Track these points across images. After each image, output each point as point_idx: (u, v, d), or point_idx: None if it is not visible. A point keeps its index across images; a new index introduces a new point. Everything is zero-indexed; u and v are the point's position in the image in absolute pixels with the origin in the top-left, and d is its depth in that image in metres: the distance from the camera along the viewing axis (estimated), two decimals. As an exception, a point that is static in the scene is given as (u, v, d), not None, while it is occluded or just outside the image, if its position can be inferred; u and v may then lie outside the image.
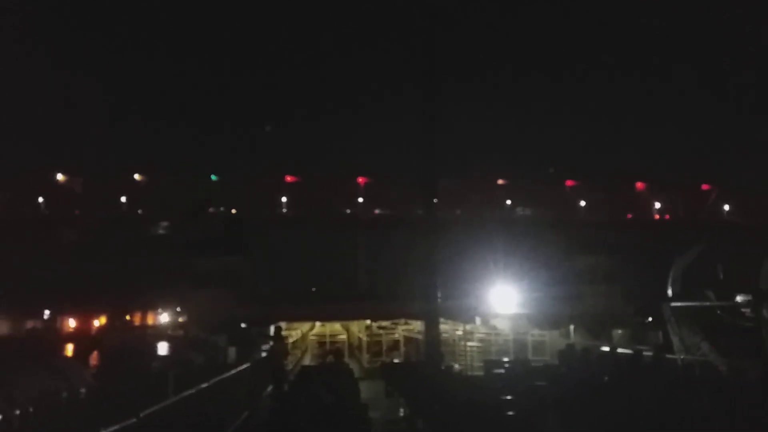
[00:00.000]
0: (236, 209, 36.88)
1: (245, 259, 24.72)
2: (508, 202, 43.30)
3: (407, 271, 24.66)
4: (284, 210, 39.81)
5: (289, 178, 40.24)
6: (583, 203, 44.23)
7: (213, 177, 39.44)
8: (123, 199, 39.21)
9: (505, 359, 19.60)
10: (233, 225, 28.26)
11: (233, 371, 14.93)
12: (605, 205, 43.14)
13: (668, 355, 16.30)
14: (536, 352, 22.61)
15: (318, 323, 26.19)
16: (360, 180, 41.01)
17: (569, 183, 44.86)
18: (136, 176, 40.21)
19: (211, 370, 15.45)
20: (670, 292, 18.50)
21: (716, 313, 17.44)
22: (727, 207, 44.80)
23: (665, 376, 12.74)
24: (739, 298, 16.87)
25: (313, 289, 28.58)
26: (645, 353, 15.65)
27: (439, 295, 21.19)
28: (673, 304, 17.67)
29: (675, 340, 16.70)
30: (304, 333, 26.35)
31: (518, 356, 21.47)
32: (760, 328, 14.84)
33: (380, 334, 24.58)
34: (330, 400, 12.24)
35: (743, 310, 16.53)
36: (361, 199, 40.87)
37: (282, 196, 40.18)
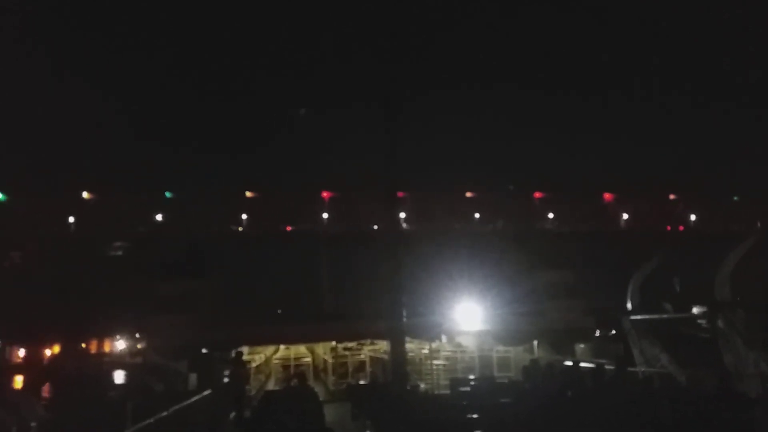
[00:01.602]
0: (194, 228, 35.18)
1: (206, 282, 24.21)
2: (477, 215, 42.71)
3: (373, 289, 24.54)
4: (243, 228, 38.28)
5: (249, 194, 38.79)
6: (551, 215, 43.98)
7: (167, 194, 37.84)
8: (71, 219, 36.85)
9: (471, 376, 19.62)
10: (193, 246, 27.55)
11: (194, 398, 14.50)
12: (573, 217, 43.19)
13: (629, 368, 16.53)
14: (501, 368, 22.70)
15: (282, 346, 25.75)
16: (324, 194, 39.98)
17: (537, 194, 44.59)
18: (85, 194, 37.81)
19: (171, 397, 15.01)
20: (629, 305, 18.86)
21: (674, 325, 17.82)
22: (693, 217, 45.29)
23: (626, 389, 12.89)
24: (695, 310, 17.28)
25: (279, 311, 28.15)
26: (607, 366, 15.87)
27: (405, 313, 21.07)
28: (633, 317, 18.01)
29: (635, 353, 16.98)
30: (267, 357, 25.85)
31: (484, 373, 21.52)
32: (716, 338, 15.23)
33: (346, 356, 24.30)
34: (293, 425, 12.01)
35: (700, 321, 16.94)
36: (326, 215, 39.85)
37: (242, 212, 38.65)
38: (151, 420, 11.21)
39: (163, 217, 36.76)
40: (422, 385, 20.47)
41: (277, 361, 25.71)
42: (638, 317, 18.50)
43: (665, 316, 17.94)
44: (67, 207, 36.69)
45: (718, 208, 44.82)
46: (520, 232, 37.98)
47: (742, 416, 9.82)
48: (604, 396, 12.13)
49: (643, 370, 16.23)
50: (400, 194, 35.46)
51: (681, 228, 44.65)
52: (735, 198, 45.40)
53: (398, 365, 20.30)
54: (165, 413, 12.02)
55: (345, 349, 24.63)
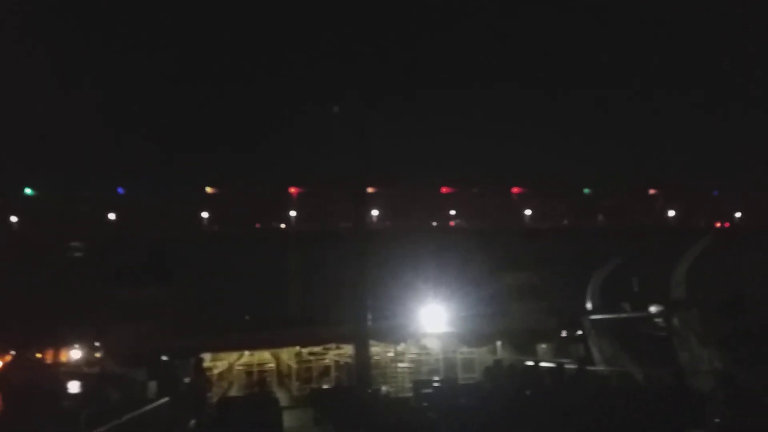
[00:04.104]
0: (153, 228, 32.77)
1: (167, 286, 23.70)
2: (452, 212, 41.90)
3: (340, 293, 24.37)
4: (206, 227, 35.83)
5: (210, 190, 36.12)
6: (529, 211, 43.29)
7: (121, 191, 34.94)
8: (13, 218, 33.48)
9: (435, 378, 19.64)
10: (152, 247, 26.76)
11: (151, 406, 14.18)
12: (550, 213, 42.84)
13: (589, 367, 16.77)
14: (466, 369, 22.79)
15: (246, 352, 25.37)
16: (292, 190, 38.53)
17: (515, 190, 43.79)
18: (27, 190, 34.39)
19: (128, 406, 14.64)
20: (589, 305, 19.15)
21: (632, 324, 18.14)
22: (673, 212, 45.28)
23: (584, 387, 13.05)
24: (652, 309, 17.63)
25: (247, 317, 27.69)
26: (568, 366, 16.04)
27: (370, 317, 21.05)
28: (592, 317, 18.29)
29: (595, 352, 17.23)
30: (231, 363, 25.44)
31: (448, 375, 21.57)
32: (672, 336, 15.56)
33: (311, 360, 24.09)
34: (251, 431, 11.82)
35: (657, 320, 17.28)
36: (293, 212, 38.43)
37: (204, 210, 36.04)
38: (104, 429, 10.92)
39: (118, 217, 34.29)
40: (386, 388, 20.42)
41: (240, 368, 25.31)
42: (598, 317, 18.79)
43: (623, 315, 18.26)
44: (8, 206, 33.58)
45: (696, 205, 45.14)
46: (493, 230, 37.91)
47: (694, 412, 10.03)
48: (563, 394, 12.26)
49: (602, 368, 16.47)
50: (371, 190, 35.12)
51: (657, 224, 44.29)
52: (714, 193, 45.92)
53: (362, 369, 20.27)
54: (118, 421, 11.74)
55: (310, 354, 24.42)
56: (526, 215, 42.64)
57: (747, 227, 42.87)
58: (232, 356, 24.98)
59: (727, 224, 44.49)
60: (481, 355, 22.93)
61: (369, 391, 17.01)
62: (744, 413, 8.41)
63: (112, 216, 34.56)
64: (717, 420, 8.43)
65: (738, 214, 45.52)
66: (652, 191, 45.07)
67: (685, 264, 17.31)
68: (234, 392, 22.86)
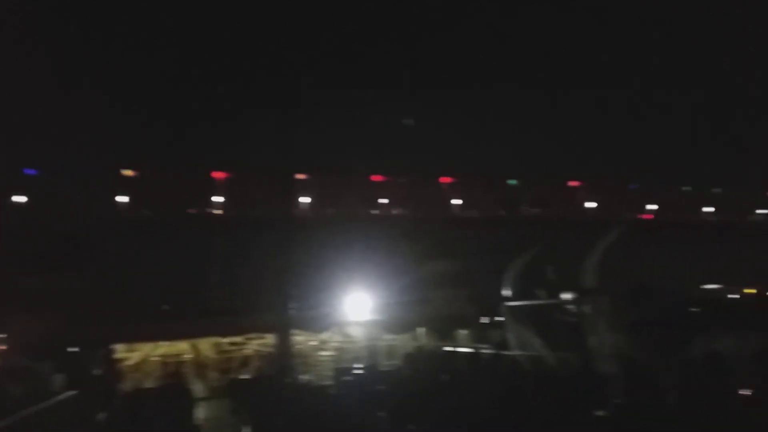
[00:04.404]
0: (63, 211, 29.88)
1: (78, 274, 22.51)
2: (385, 200, 41.68)
3: (263, 281, 23.93)
4: (122, 211, 33.13)
5: (127, 172, 33.57)
6: (459, 201, 43.57)
7: (27, 171, 32.03)
8: None
9: (357, 366, 19.74)
10: (63, 232, 25.19)
11: (54, 400, 13.47)
12: (479, 203, 43.38)
13: (505, 352, 17.34)
14: (389, 356, 22.99)
15: (162, 343, 24.50)
16: (217, 175, 37.09)
17: (445, 180, 43.93)
18: None
19: (31, 400, 13.84)
20: (507, 292, 19.74)
21: (547, 311, 18.83)
22: (594, 204, 46.86)
23: (499, 371, 13.49)
24: (565, 296, 18.38)
25: (164, 307, 26.67)
26: (484, 351, 16.51)
27: (293, 305, 20.84)
28: (510, 303, 18.89)
29: (511, 337, 17.81)
30: (145, 354, 24.50)
31: (371, 362, 21.70)
32: (582, 323, 16.29)
33: (231, 351, 23.60)
34: (161, 424, 11.48)
35: (569, 306, 18.03)
36: (217, 198, 37.06)
37: (120, 193, 33.45)
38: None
39: (23, 199, 31.61)
40: (308, 377, 20.35)
41: (155, 359, 24.42)
42: (516, 304, 19.41)
43: (539, 302, 18.94)
44: None
45: (613, 198, 47.01)
46: (421, 218, 38.20)
47: (598, 393, 10.54)
48: (478, 378, 12.65)
49: (517, 353, 17.05)
50: (300, 176, 34.56)
51: (578, 215, 45.72)
52: (630, 187, 48.04)
53: (283, 358, 20.11)
54: (16, 417, 11.09)
55: (231, 344, 23.93)
56: (454, 205, 43.33)
57: (656, 220, 45.42)
58: (148, 347, 24.09)
59: (645, 216, 46.92)
60: (404, 342, 23.21)
61: (289, 380, 16.90)
62: (641, 394, 8.88)
63: (19, 199, 32.23)
64: (617, 400, 8.86)
65: (651, 207, 48.12)
66: (573, 184, 46.86)
67: (596, 254, 18.13)
68: (148, 384, 22.08)
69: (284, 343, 18.79)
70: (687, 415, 7.66)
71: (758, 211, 50.18)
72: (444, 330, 22.89)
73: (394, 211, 40.29)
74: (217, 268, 29.51)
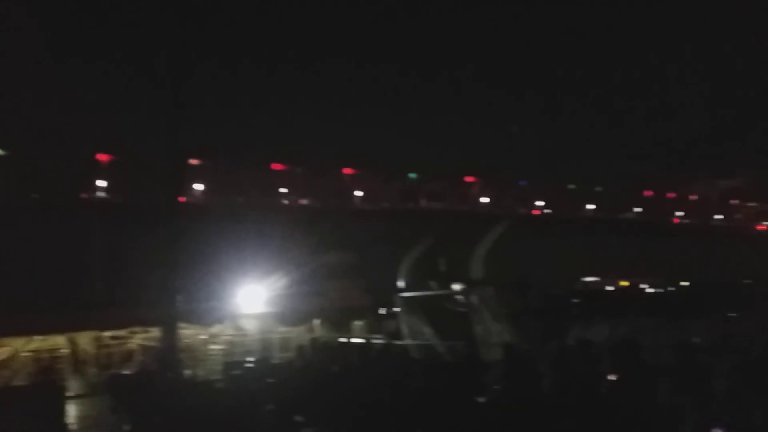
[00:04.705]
0: None
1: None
2: (284, 190, 40.61)
3: (149, 271, 22.73)
4: None
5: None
6: (358, 193, 43.30)
7: None
8: None
9: (249, 359, 19.28)
10: None
11: None
12: (379, 196, 43.42)
13: (397, 342, 17.65)
14: (283, 349, 22.67)
15: (37, 337, 22.69)
16: (101, 157, 34.48)
17: (347, 171, 43.52)
18: None
19: None
20: (401, 283, 20.12)
21: (438, 301, 19.39)
22: (487, 199, 48.41)
23: (389, 361, 13.66)
24: (455, 287, 19.01)
25: (40, 298, 24.60)
26: (376, 341, 16.67)
27: (181, 298, 19.98)
28: (404, 294, 19.25)
29: (404, 328, 18.17)
30: (16, 349, 22.58)
31: (264, 355, 21.31)
32: (470, 312, 16.90)
33: (112, 345, 22.31)
34: (28, 425, 10.65)
35: (458, 297, 18.66)
36: (101, 182, 34.44)
37: None
38: None
39: None
40: (196, 372, 19.65)
41: (27, 354, 22.58)
42: (409, 295, 19.83)
43: (431, 293, 19.46)
44: None
45: (504, 193, 48.96)
46: (320, 209, 37.85)
47: (482, 378, 10.94)
48: (369, 368, 12.72)
49: (409, 342, 17.41)
50: (194, 162, 33.07)
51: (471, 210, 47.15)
52: (522, 183, 50.25)
53: (170, 353, 19.19)
54: None
55: (113, 338, 22.64)
56: (355, 196, 43.38)
57: (542, 216, 48.04)
58: (18, 342, 22.23)
59: (533, 212, 49.45)
60: (299, 334, 22.99)
61: (173, 375, 16.19)
62: (519, 380, 9.28)
63: None
64: (496, 387, 9.21)
65: (538, 204, 50.80)
66: (469, 179, 48.57)
67: (484, 247, 18.87)
68: (18, 382, 20.39)
69: (170, 337, 17.92)
70: (559, 398, 8.08)
71: (635, 209, 54.52)
72: (340, 321, 22.91)
73: (292, 201, 39.73)
74: (98, 256, 27.62)
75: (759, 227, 55.67)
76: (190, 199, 32.57)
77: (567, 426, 7.06)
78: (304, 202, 40.01)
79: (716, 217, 55.90)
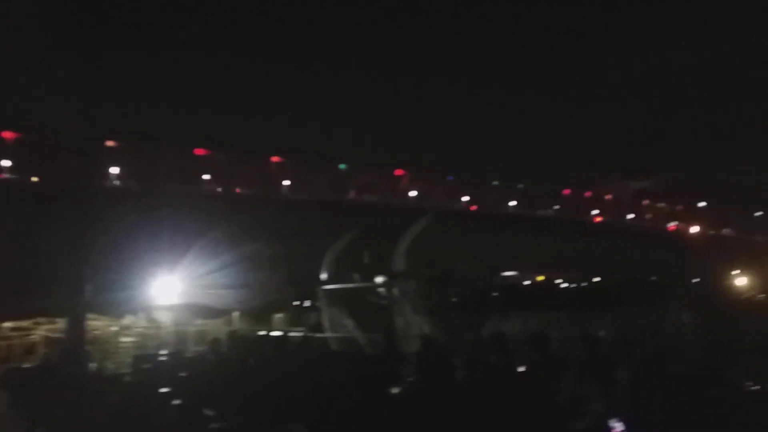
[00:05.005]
0: None
1: None
2: (206, 176, 38.94)
3: (55, 258, 21.45)
4: None
5: None
6: (287, 182, 42.31)
7: None
8: None
9: (162, 352, 18.58)
10: None
11: None
12: (307, 185, 42.68)
13: (319, 334, 17.49)
14: (199, 342, 21.99)
15: None
16: (5, 135, 32.02)
17: (274, 159, 42.46)
18: None
19: None
20: (323, 276, 19.95)
21: (361, 294, 19.37)
22: (415, 192, 48.73)
23: (308, 353, 13.50)
24: (378, 280, 19.04)
25: None
26: (296, 334, 16.43)
27: (90, 287, 18.94)
28: (326, 287, 19.09)
29: (325, 320, 18.03)
30: None
31: (178, 348, 20.59)
32: (392, 305, 16.97)
33: (13, 337, 20.92)
34: None
35: (380, 289, 18.71)
36: (5, 162, 31.98)
37: None
38: None
39: None
40: (103, 366, 18.74)
41: None
42: (332, 287, 19.68)
43: (354, 285, 19.41)
44: None
45: (432, 187, 49.56)
46: (245, 197, 36.89)
47: (397, 371, 10.99)
48: (285, 361, 12.51)
49: (330, 335, 17.29)
50: (110, 143, 31.49)
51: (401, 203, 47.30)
52: (449, 179, 51.04)
53: (75, 345, 18.17)
54: None
55: (14, 329, 21.22)
56: (283, 185, 42.47)
57: (467, 210, 49.20)
58: None
59: (458, 206, 50.53)
60: (217, 327, 22.35)
61: (78, 369, 15.35)
62: (433, 372, 9.35)
63: None
64: (410, 379, 9.24)
65: (464, 199, 51.99)
66: (398, 172, 48.93)
67: (407, 239, 18.99)
68: None
69: (77, 329, 16.98)
70: (471, 390, 8.18)
71: (554, 207, 56.78)
72: (260, 314, 22.47)
73: (214, 188, 38.58)
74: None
75: (670, 227, 59.33)
76: (104, 182, 31.04)
77: (476, 417, 7.15)
78: (227, 189, 38.94)
79: (629, 216, 59.10)
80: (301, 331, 19.36)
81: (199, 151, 39.19)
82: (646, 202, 59.86)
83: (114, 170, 33.97)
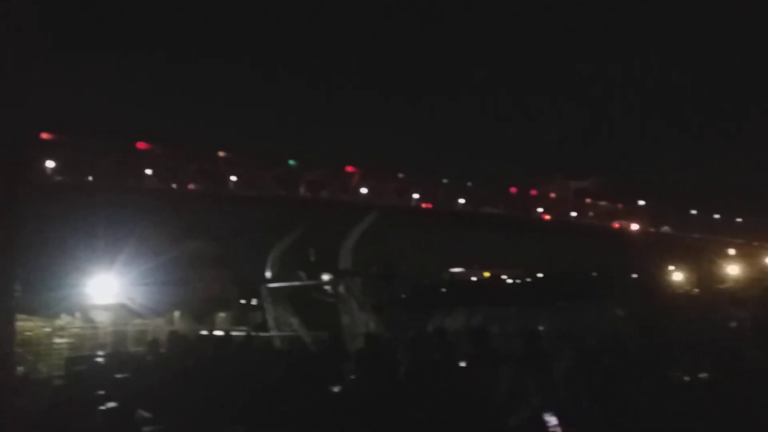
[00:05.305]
0: None
1: None
2: (148, 171, 37.30)
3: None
4: None
5: None
6: (234, 177, 41.12)
7: None
8: None
9: (98, 353, 17.88)
10: None
11: None
12: (255, 181, 41.57)
13: (263, 333, 17.17)
14: (138, 342, 21.29)
15: None
16: None
17: (221, 154, 41.18)
18: None
19: None
20: (268, 274, 19.60)
21: (307, 291, 19.13)
22: (365, 190, 48.27)
23: (251, 353, 13.22)
24: (324, 277, 18.85)
25: None
26: (239, 333, 16.07)
27: (20, 286, 17.92)
28: (270, 285, 18.77)
29: (270, 319, 17.72)
30: None
31: (116, 349, 19.87)
32: (338, 302, 16.83)
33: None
34: None
35: (326, 287, 18.53)
36: None
37: None
38: None
39: None
40: (35, 369, 17.87)
41: None
42: (277, 285, 19.36)
43: (299, 283, 19.17)
44: None
45: (383, 184, 49.33)
46: (188, 194, 35.79)
47: (339, 369, 10.88)
48: (228, 361, 12.19)
49: (273, 334, 17.01)
50: (45, 135, 30.08)
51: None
52: (400, 176, 50.94)
53: (4, 348, 17.30)
54: None
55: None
56: (230, 181, 41.36)
57: (416, 207, 49.43)
58: None
59: (408, 203, 50.64)
60: (157, 327, 21.68)
61: (6, 372, 14.52)
62: (375, 369, 9.27)
63: None
64: (352, 376, 9.14)
65: (415, 196, 52.21)
66: (349, 169, 48.54)
67: (353, 237, 18.87)
68: None
69: (6, 331, 16.14)
70: (413, 385, 8.15)
71: (501, 205, 57.75)
72: (202, 313, 21.93)
73: (156, 183, 37.29)
74: None
75: (614, 225, 61.28)
76: (37, 177, 29.64)
77: (416, 413, 7.11)
78: (170, 185, 37.68)
79: (572, 214, 60.72)
80: (245, 330, 18.98)
81: (142, 145, 37.74)
82: (588, 200, 61.61)
83: (49, 164, 32.47)
